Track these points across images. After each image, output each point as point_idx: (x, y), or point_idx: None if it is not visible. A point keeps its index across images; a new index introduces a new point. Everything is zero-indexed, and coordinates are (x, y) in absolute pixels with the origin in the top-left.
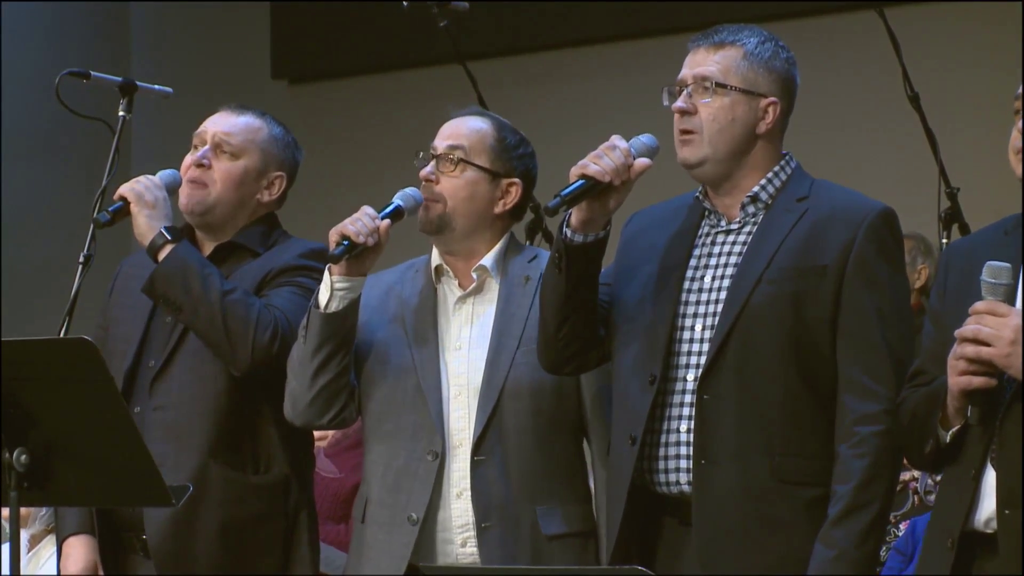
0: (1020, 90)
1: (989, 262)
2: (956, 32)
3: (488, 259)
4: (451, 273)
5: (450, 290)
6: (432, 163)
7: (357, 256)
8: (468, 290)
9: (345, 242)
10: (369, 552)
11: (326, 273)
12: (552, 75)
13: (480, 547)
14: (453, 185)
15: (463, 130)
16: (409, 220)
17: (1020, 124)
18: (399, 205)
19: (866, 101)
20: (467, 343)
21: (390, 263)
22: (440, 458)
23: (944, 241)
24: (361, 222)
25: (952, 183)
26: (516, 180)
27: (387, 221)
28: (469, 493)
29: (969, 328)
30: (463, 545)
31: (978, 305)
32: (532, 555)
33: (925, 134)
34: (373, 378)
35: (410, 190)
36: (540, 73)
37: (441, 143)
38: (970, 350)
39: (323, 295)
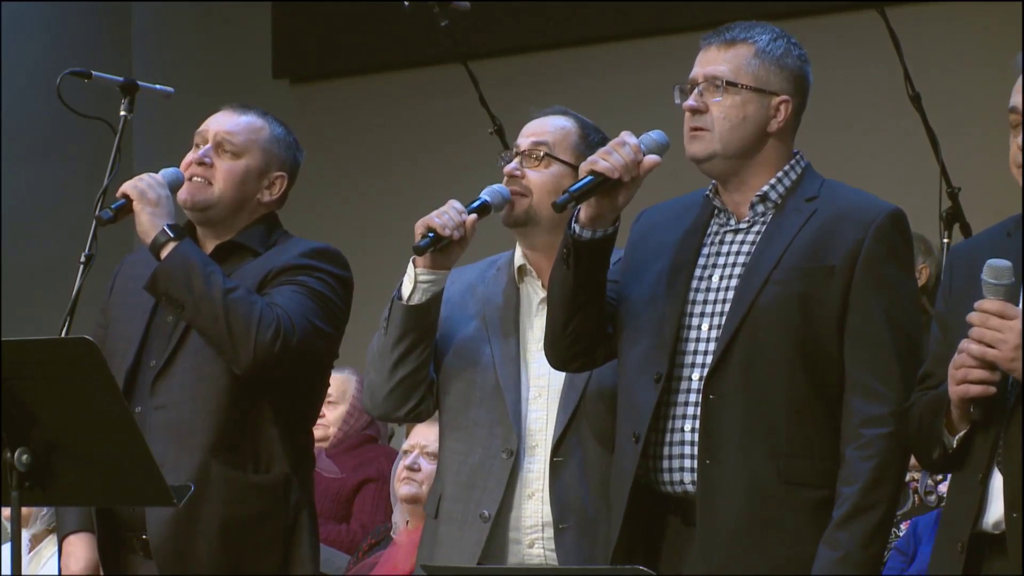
0: (1012, 102)
1: (990, 261)
2: (957, 32)
3: None
4: (535, 273)
5: (534, 290)
6: (517, 159)
7: (442, 249)
8: None
9: (431, 234)
10: (441, 548)
11: (410, 265)
12: (554, 74)
13: (557, 548)
14: (540, 179)
15: (547, 127)
16: (492, 216)
17: (1020, 140)
18: (486, 200)
19: (867, 101)
20: None
21: (473, 259)
22: (515, 456)
23: (945, 241)
24: (448, 215)
25: (953, 183)
26: None
27: (473, 216)
28: (542, 494)
29: (974, 330)
30: (531, 546)
31: (988, 305)
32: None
33: (926, 134)
34: (451, 373)
35: (497, 186)
36: (542, 72)
37: (525, 140)
38: (975, 348)
39: (406, 287)
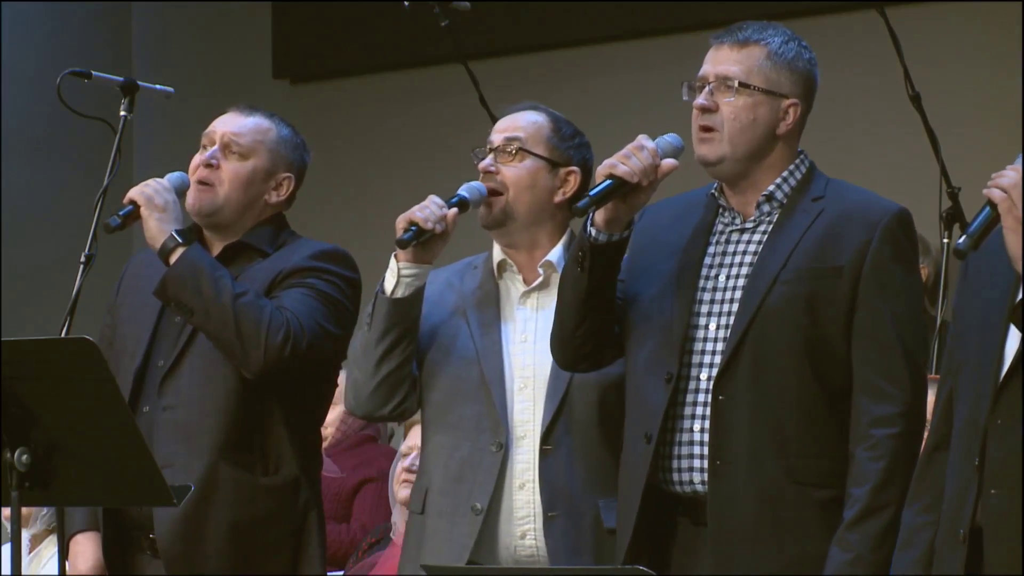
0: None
1: None
2: (957, 32)
3: (554, 254)
4: (515, 268)
5: (513, 284)
6: (491, 156)
7: (424, 243)
8: (533, 284)
9: (413, 228)
10: (430, 543)
11: (392, 260)
12: (554, 75)
13: (546, 537)
14: (514, 174)
15: (519, 122)
16: (470, 215)
17: None
18: (464, 196)
19: (867, 101)
20: (533, 335)
21: (452, 259)
22: (504, 449)
23: (945, 241)
24: (429, 209)
25: (953, 183)
26: (575, 169)
27: (454, 210)
28: (532, 484)
29: (1010, 181)
30: (522, 537)
31: None
32: (594, 547)
33: (926, 134)
34: (435, 369)
35: (474, 183)
36: (542, 73)
37: (498, 136)
38: (1010, 222)
39: (389, 281)
